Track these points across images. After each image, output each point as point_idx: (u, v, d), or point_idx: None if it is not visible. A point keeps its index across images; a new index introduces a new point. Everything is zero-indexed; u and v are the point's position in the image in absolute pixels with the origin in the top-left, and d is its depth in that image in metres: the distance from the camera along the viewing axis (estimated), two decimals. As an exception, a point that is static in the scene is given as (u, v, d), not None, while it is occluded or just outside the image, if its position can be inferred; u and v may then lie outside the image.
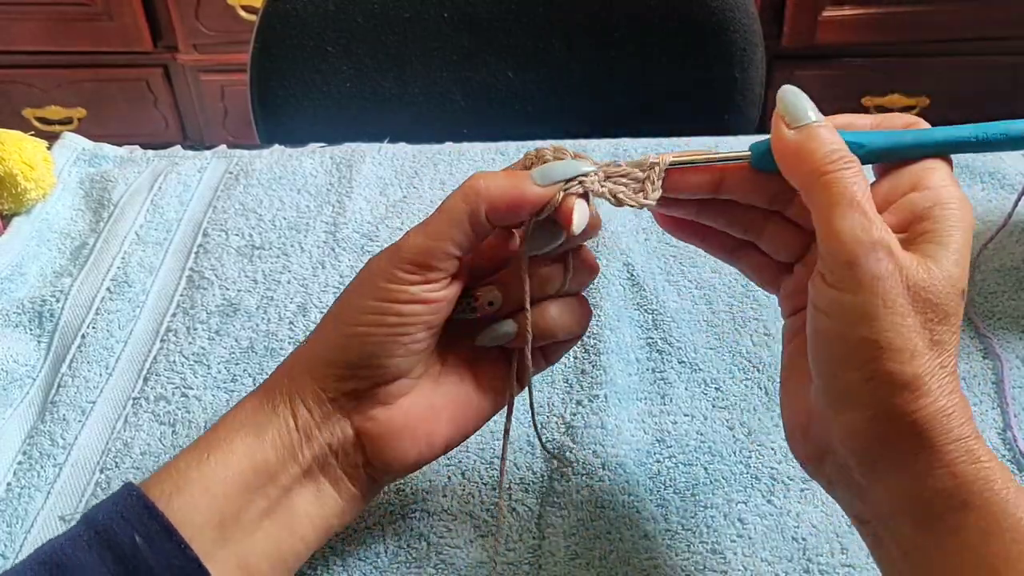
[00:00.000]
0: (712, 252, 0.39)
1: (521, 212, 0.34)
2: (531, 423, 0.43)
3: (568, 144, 0.66)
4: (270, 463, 0.34)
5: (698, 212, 0.37)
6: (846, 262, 0.30)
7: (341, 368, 0.35)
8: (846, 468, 0.32)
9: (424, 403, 0.37)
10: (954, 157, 0.35)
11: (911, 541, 0.30)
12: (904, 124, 0.35)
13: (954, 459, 0.29)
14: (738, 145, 0.67)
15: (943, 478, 0.29)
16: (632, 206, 0.35)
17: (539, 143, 0.67)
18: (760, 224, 0.37)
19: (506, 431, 0.39)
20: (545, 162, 0.35)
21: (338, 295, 0.37)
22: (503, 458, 0.39)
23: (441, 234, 0.34)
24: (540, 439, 0.43)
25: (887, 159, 0.34)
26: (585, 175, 0.34)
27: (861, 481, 0.31)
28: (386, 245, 0.56)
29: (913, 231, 0.32)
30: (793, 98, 0.33)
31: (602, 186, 0.35)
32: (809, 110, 0.33)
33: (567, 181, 0.34)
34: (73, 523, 0.39)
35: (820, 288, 0.31)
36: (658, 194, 0.35)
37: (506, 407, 0.39)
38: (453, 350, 0.38)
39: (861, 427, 0.30)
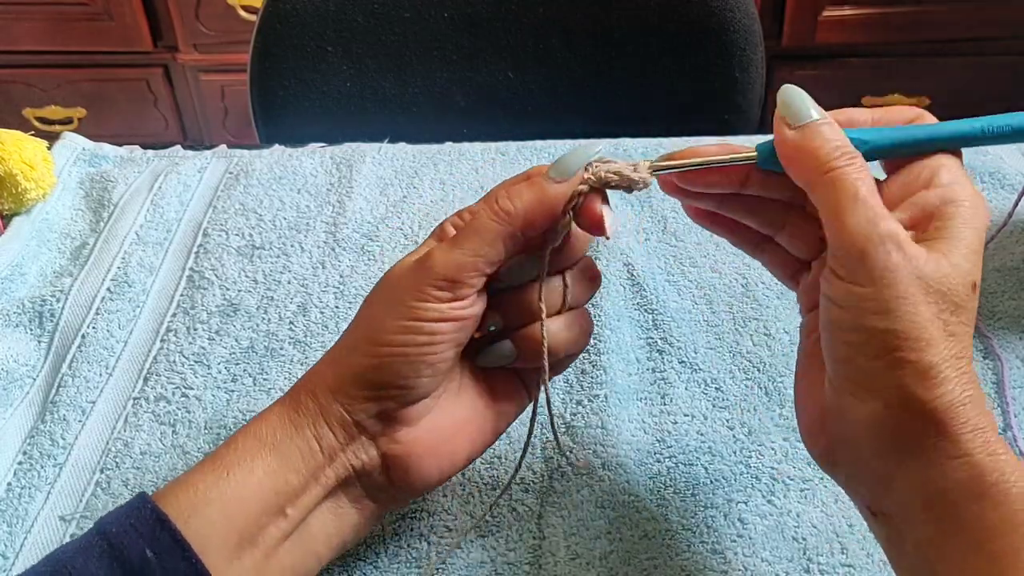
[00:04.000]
0: (738, 244, 0.39)
1: (554, 216, 0.34)
2: (538, 426, 0.43)
3: (568, 144, 0.66)
4: (292, 486, 0.34)
5: (719, 204, 0.37)
6: (857, 257, 0.30)
7: (369, 389, 0.35)
8: (864, 459, 0.32)
9: (446, 422, 0.36)
10: None
11: (925, 532, 0.30)
12: (910, 118, 0.35)
13: (971, 449, 0.29)
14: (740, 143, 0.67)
15: (960, 468, 0.29)
16: (635, 182, 0.34)
17: (539, 143, 0.67)
18: (781, 219, 0.37)
19: (525, 447, 0.39)
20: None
21: (355, 307, 0.37)
22: (517, 467, 0.39)
23: (474, 251, 0.34)
24: (559, 443, 0.43)
25: (892, 156, 0.34)
26: (597, 157, 0.34)
27: (880, 470, 0.31)
28: (386, 245, 0.57)
29: (925, 229, 0.32)
30: (793, 97, 0.33)
31: (607, 164, 0.35)
32: (811, 108, 0.33)
33: (585, 169, 0.34)
34: (73, 523, 0.39)
35: (832, 281, 0.31)
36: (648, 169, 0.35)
37: (528, 411, 0.39)
38: (467, 366, 0.38)
39: (879, 415, 0.30)
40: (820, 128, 0.32)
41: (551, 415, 0.39)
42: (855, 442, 0.32)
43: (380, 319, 0.35)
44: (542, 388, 0.37)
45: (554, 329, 0.37)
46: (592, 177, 0.34)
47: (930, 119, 0.35)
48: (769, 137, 0.34)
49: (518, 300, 0.37)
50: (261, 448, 0.34)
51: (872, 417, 0.31)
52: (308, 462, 0.34)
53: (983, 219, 0.32)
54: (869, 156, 0.33)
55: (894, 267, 0.30)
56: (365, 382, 0.35)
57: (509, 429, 0.39)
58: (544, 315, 0.36)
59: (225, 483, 0.33)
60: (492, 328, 0.37)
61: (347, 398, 0.35)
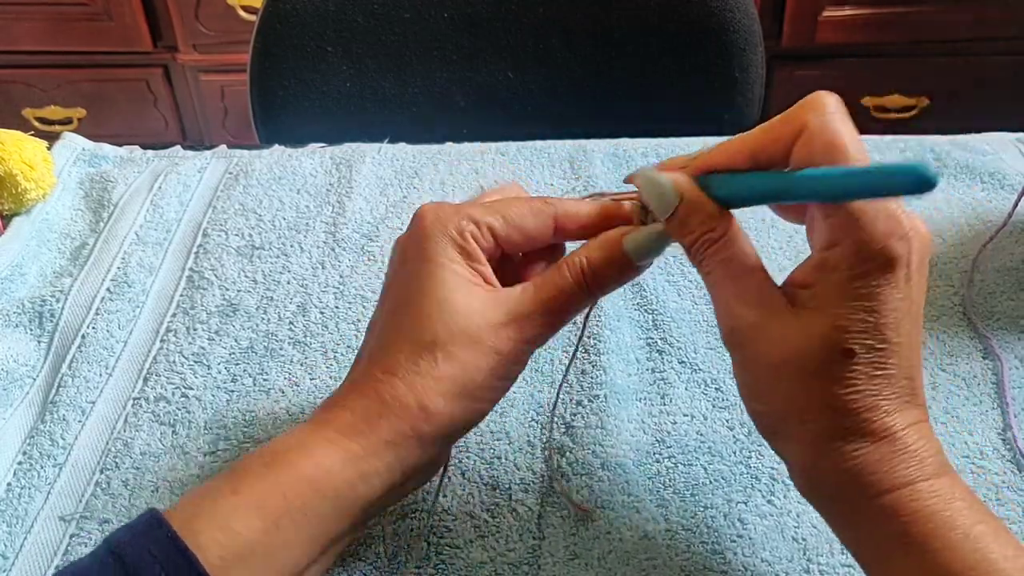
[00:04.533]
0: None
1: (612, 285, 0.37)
2: (531, 423, 0.43)
3: (568, 145, 0.66)
4: (343, 532, 0.33)
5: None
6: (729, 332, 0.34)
7: (459, 432, 0.36)
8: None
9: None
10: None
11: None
12: (822, 145, 0.31)
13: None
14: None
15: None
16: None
17: (539, 143, 0.67)
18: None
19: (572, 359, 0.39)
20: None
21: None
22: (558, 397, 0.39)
23: (560, 324, 0.36)
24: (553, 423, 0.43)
25: (745, 205, 0.34)
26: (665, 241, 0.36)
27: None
28: (386, 245, 0.57)
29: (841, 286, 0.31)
30: (651, 190, 0.35)
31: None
32: (667, 194, 0.34)
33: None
34: (73, 524, 0.39)
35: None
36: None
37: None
38: None
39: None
40: (678, 217, 0.34)
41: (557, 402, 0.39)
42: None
43: (486, 379, 0.35)
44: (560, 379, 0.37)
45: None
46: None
47: (843, 150, 0.31)
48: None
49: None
50: (317, 498, 0.32)
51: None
52: (365, 506, 0.33)
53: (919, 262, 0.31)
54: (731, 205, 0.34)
55: (749, 357, 0.33)
56: (458, 428, 0.35)
57: (508, 429, 0.39)
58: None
59: (274, 536, 0.31)
60: None
61: (431, 440, 0.34)
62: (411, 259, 0.36)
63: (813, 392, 0.31)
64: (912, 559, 0.29)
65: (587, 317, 0.41)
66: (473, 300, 0.35)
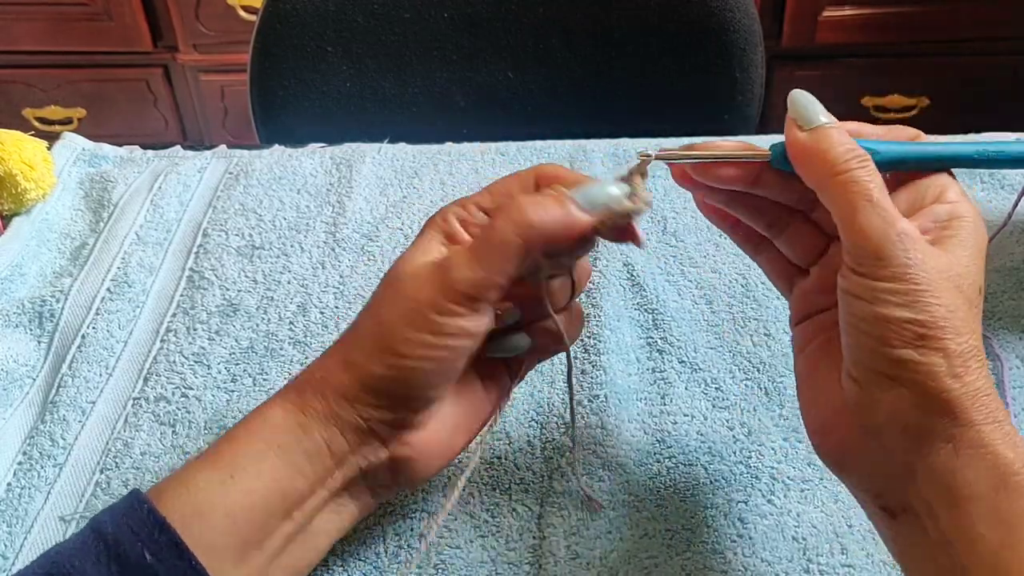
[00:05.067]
0: (739, 243, 0.41)
1: (574, 240, 0.35)
2: (531, 423, 0.43)
3: (568, 145, 0.66)
4: (299, 491, 0.34)
5: (728, 201, 0.38)
6: (874, 254, 0.31)
7: (387, 399, 0.34)
8: (887, 451, 0.32)
9: (450, 420, 0.37)
10: None
11: (949, 524, 0.30)
12: (909, 136, 0.36)
13: (992, 440, 0.30)
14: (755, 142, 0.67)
15: (983, 458, 0.30)
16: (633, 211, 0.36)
17: (539, 143, 0.67)
18: (784, 222, 0.38)
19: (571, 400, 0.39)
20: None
21: (356, 307, 0.37)
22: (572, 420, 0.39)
23: (496, 268, 0.34)
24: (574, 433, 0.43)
25: (898, 168, 0.35)
26: (628, 196, 0.35)
27: (903, 462, 0.31)
28: (386, 245, 0.57)
29: (934, 235, 0.33)
30: (804, 101, 0.34)
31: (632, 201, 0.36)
32: (820, 113, 0.34)
33: (612, 208, 0.35)
34: (73, 524, 0.39)
35: (850, 277, 0.32)
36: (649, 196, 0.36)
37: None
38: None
39: (905, 404, 0.31)
40: (830, 132, 0.33)
41: (572, 405, 0.40)
42: (879, 434, 0.32)
43: (398, 329, 0.34)
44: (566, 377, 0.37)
45: (565, 322, 0.38)
46: (618, 214, 0.35)
47: (925, 139, 0.36)
48: (780, 138, 0.35)
49: (534, 295, 0.37)
50: (267, 451, 0.34)
51: (898, 406, 0.31)
52: (316, 466, 0.34)
53: (984, 235, 0.34)
54: (878, 167, 0.34)
55: (913, 262, 0.31)
56: (383, 392, 0.34)
57: (508, 429, 0.39)
58: (558, 308, 0.37)
59: (230, 487, 0.33)
60: (509, 322, 0.37)
61: (362, 405, 0.34)
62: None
63: (967, 314, 0.32)
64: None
65: (570, 374, 0.41)
66: (417, 267, 0.35)
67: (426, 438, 0.36)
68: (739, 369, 0.49)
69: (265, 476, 0.33)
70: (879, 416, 0.32)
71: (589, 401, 0.46)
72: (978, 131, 0.67)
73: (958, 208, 0.34)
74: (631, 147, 0.66)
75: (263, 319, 0.52)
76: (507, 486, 0.43)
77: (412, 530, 0.41)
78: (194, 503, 0.32)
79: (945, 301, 0.31)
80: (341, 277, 0.55)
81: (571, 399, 0.42)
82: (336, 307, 0.53)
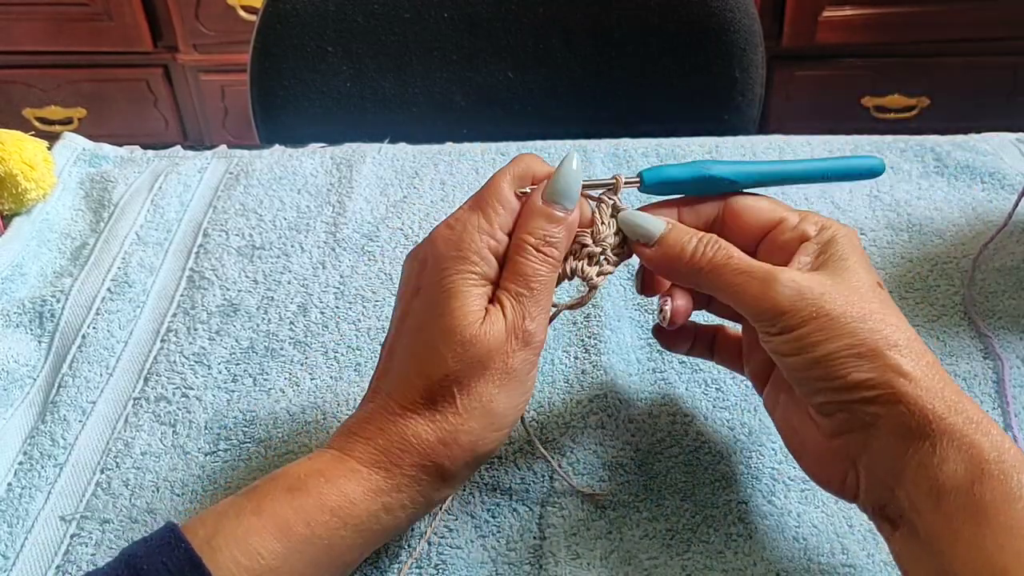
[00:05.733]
0: (695, 356, 0.44)
1: (571, 235, 0.38)
2: (531, 423, 0.43)
3: (568, 145, 0.66)
4: (359, 557, 0.35)
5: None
6: (776, 313, 0.34)
7: (482, 459, 0.36)
8: (877, 460, 0.33)
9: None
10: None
11: (935, 521, 0.31)
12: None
13: (966, 431, 0.31)
14: (736, 145, 0.67)
15: (960, 450, 0.31)
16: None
17: (539, 143, 0.67)
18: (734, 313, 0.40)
19: None
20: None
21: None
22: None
23: (545, 304, 0.36)
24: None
25: (756, 186, 0.39)
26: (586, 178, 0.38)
27: (891, 465, 0.32)
28: (386, 245, 0.57)
29: (818, 264, 0.36)
30: (636, 221, 0.38)
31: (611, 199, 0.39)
32: (653, 226, 0.37)
33: (586, 188, 0.38)
34: (74, 523, 0.39)
35: (771, 341, 0.34)
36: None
37: None
38: None
39: (879, 415, 0.32)
40: (671, 236, 0.37)
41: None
42: (867, 447, 0.33)
43: (495, 399, 0.35)
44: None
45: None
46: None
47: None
48: (719, 151, 0.39)
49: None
50: (342, 528, 0.33)
51: (871, 423, 0.33)
52: (386, 533, 0.35)
53: (854, 233, 0.37)
54: (733, 188, 0.39)
55: (813, 296, 0.33)
56: (482, 457, 0.36)
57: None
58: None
59: (297, 559, 0.32)
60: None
61: (455, 478, 0.36)
62: (426, 286, 0.36)
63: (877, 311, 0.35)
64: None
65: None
66: (483, 325, 0.35)
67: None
68: (739, 369, 0.49)
69: (336, 551, 0.33)
70: (858, 439, 0.33)
71: (589, 401, 0.46)
72: (978, 131, 0.67)
73: (823, 234, 0.36)
74: (631, 147, 0.66)
75: (263, 319, 0.52)
76: (507, 486, 0.43)
77: (412, 530, 0.41)
78: (253, 569, 0.31)
79: (861, 313, 0.33)
80: (341, 277, 0.55)
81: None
82: (336, 307, 0.53)
